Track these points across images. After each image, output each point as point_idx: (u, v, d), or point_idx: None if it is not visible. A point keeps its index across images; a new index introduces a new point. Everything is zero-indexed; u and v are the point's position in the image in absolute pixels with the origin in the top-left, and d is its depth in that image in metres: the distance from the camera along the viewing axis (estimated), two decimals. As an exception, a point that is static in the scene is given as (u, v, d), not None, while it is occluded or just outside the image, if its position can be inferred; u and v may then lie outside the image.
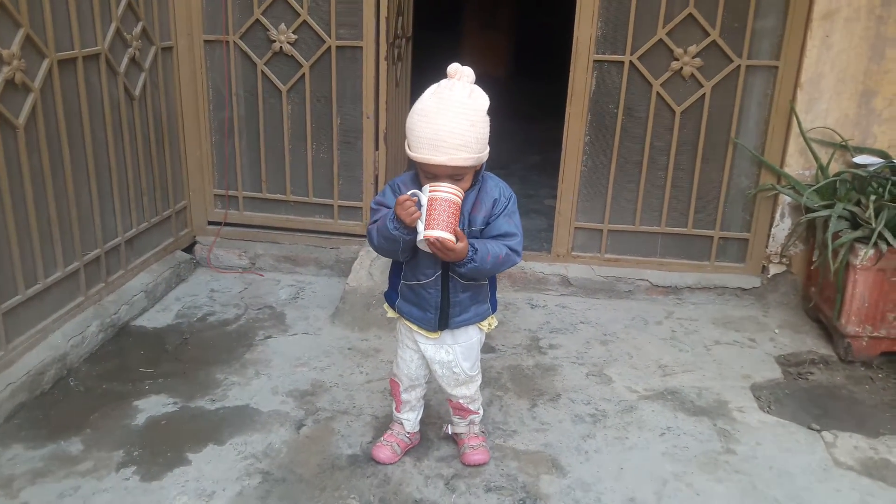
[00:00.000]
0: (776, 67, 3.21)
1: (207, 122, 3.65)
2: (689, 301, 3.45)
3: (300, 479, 2.19)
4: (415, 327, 2.12)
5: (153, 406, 2.55)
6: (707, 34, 3.21)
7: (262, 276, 3.71)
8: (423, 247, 1.91)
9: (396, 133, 3.76)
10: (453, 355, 2.13)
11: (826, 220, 2.97)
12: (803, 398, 2.71)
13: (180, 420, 2.48)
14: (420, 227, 1.88)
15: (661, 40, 3.25)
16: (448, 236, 1.85)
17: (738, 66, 3.23)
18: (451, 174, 1.88)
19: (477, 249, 1.92)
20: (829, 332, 3.11)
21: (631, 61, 3.29)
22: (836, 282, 2.92)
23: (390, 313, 2.19)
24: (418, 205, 1.89)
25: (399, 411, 2.31)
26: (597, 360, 2.92)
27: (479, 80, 1.92)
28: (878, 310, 2.86)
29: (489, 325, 2.17)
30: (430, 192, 1.88)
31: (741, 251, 3.47)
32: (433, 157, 1.84)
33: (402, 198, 1.88)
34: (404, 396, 2.28)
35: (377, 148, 3.57)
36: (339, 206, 3.71)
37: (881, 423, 2.56)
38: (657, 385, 2.75)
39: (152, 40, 3.28)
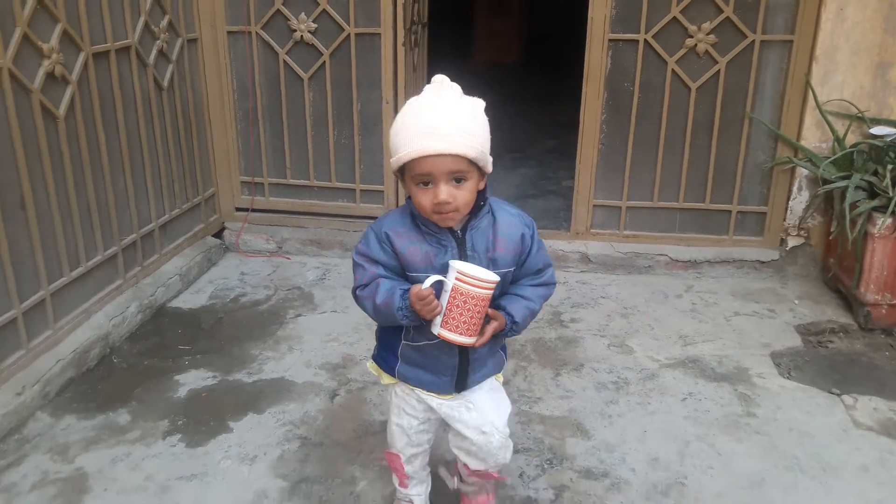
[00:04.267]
0: (791, 42, 3.26)
1: (233, 111, 3.75)
2: (709, 275, 3.52)
3: (337, 443, 2.30)
4: (423, 393, 1.77)
5: (193, 380, 2.67)
6: (721, 11, 3.26)
7: (289, 259, 3.82)
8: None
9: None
10: (478, 412, 1.76)
11: (843, 190, 3.02)
12: (823, 365, 2.77)
13: (220, 392, 2.59)
14: (438, 320, 1.56)
15: (674, 18, 3.30)
16: (468, 341, 1.56)
17: (753, 42, 3.28)
18: (452, 170, 1.51)
19: (515, 320, 1.65)
20: (849, 301, 3.17)
21: (646, 39, 3.35)
22: (855, 251, 2.98)
23: (386, 379, 1.81)
24: (437, 293, 1.55)
25: (405, 487, 1.93)
26: (618, 332, 3.00)
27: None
28: (896, 277, 2.92)
29: (500, 376, 1.88)
30: (456, 280, 1.52)
31: (759, 225, 3.53)
32: (430, 144, 1.48)
33: (422, 293, 1.53)
34: (408, 469, 1.89)
35: (399, 132, 3.65)
36: (361, 190, 3.81)
37: (900, 385, 2.62)
38: (678, 354, 2.83)
39: (178, 32, 3.39)
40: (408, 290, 1.56)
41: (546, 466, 2.19)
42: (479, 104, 1.60)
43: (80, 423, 2.41)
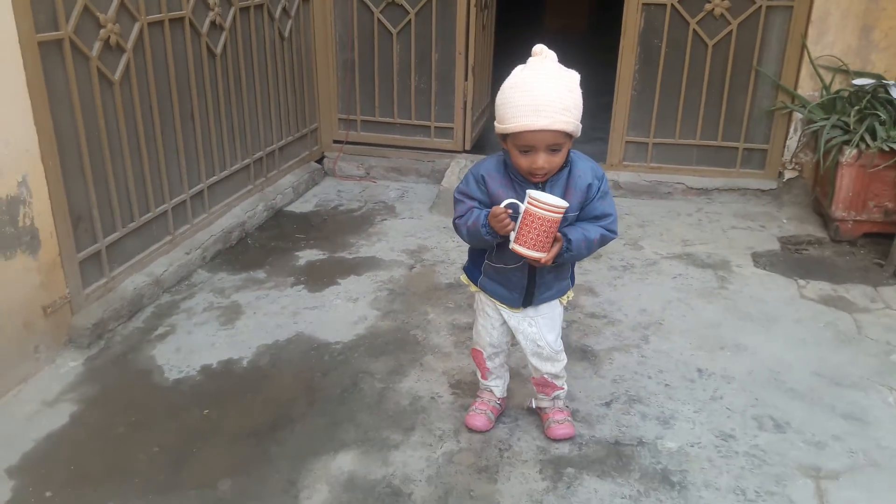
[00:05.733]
0: (791, 7, 3.95)
1: (334, 60, 4.65)
2: (717, 200, 4.27)
3: (414, 293, 3.20)
4: (497, 303, 2.14)
5: (309, 256, 3.60)
6: (735, -20, 3.98)
7: (375, 182, 4.72)
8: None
9: (482, 68, 4.67)
10: (537, 328, 2.13)
11: (823, 128, 3.73)
12: (793, 263, 3.52)
13: (329, 263, 3.52)
14: (512, 235, 1.85)
15: (697, -14, 4.04)
16: (537, 255, 1.84)
17: (760, 7, 3.98)
18: (551, 143, 1.80)
19: (571, 240, 1.90)
20: (825, 220, 3.88)
21: (672, 4, 4.08)
22: (829, 177, 3.69)
23: (472, 288, 2.18)
24: (514, 214, 1.85)
25: (486, 378, 2.30)
26: (633, 236, 3.80)
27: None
28: (860, 198, 3.61)
29: (567, 297, 2.17)
30: (528, 204, 1.81)
31: (762, 159, 4.26)
32: (535, 121, 1.76)
33: (497, 210, 1.85)
34: (489, 364, 2.27)
35: (466, 79, 4.49)
36: (435, 127, 4.67)
37: (848, 278, 3.35)
38: (677, 251, 3.62)
39: (296, -6, 4.30)
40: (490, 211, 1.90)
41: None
42: (575, 78, 1.84)
43: (230, 277, 3.37)
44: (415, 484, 2.07)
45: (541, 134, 1.79)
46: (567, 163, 1.92)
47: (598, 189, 1.95)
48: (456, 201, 2.02)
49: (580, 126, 1.86)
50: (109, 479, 2.09)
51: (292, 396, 2.47)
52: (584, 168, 1.95)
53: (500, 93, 1.86)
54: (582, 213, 1.96)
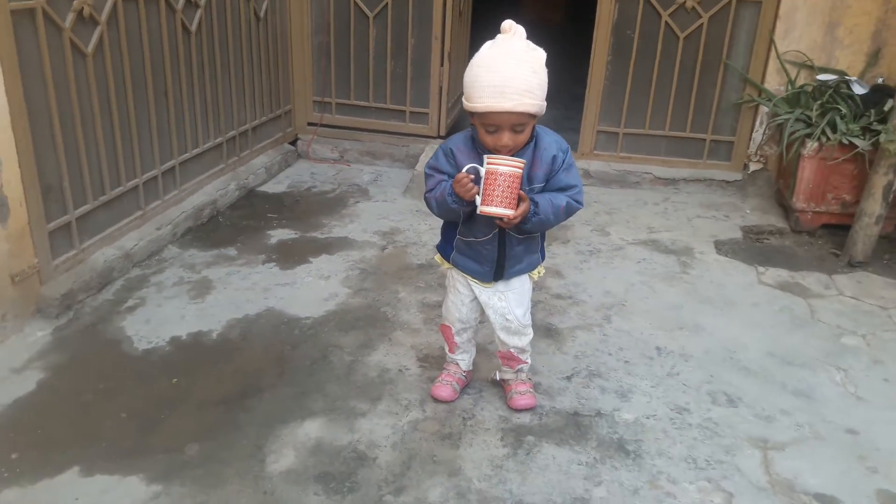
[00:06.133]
0: (760, 2, 4.05)
1: (310, 42, 4.66)
2: (684, 190, 4.36)
3: (385, 272, 3.24)
4: (469, 278, 2.20)
5: (281, 234, 3.63)
6: (706, -25, 4.07)
7: (349, 165, 4.75)
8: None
9: (458, 53, 4.72)
10: (506, 302, 2.19)
11: (787, 122, 3.83)
12: (754, 251, 3.62)
13: (301, 242, 3.55)
14: (478, 200, 1.92)
15: (669, -21, 4.12)
16: (505, 212, 1.89)
17: (730, 1, 4.07)
18: (515, 123, 1.88)
19: (538, 203, 1.96)
20: (787, 211, 3.99)
21: (645, -4, 4.17)
22: (791, 169, 3.80)
23: (445, 265, 2.25)
24: (476, 179, 1.92)
25: (453, 353, 2.38)
26: (601, 223, 3.88)
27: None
28: (820, 190, 3.72)
29: (538, 273, 2.25)
30: (487, 164, 1.89)
31: (728, 151, 4.36)
32: (499, 103, 1.83)
33: (459, 176, 1.92)
34: (457, 339, 2.34)
35: (442, 64, 4.54)
36: (410, 112, 4.71)
37: (805, 266, 3.47)
38: (643, 237, 3.71)
39: (273, -25, 4.30)
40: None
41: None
42: (540, 58, 1.89)
43: (201, 253, 3.39)
44: (380, 449, 2.12)
45: (505, 115, 1.86)
46: (533, 137, 1.99)
47: (563, 161, 2.02)
48: (426, 176, 2.08)
49: (545, 105, 1.92)
50: (77, 443, 2.12)
51: (262, 367, 2.51)
52: (549, 141, 2.02)
53: (467, 69, 1.92)
54: (548, 184, 2.02)
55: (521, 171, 1.88)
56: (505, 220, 1.94)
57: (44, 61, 2.65)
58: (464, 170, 1.94)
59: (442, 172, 2.04)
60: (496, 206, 1.89)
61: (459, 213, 2.02)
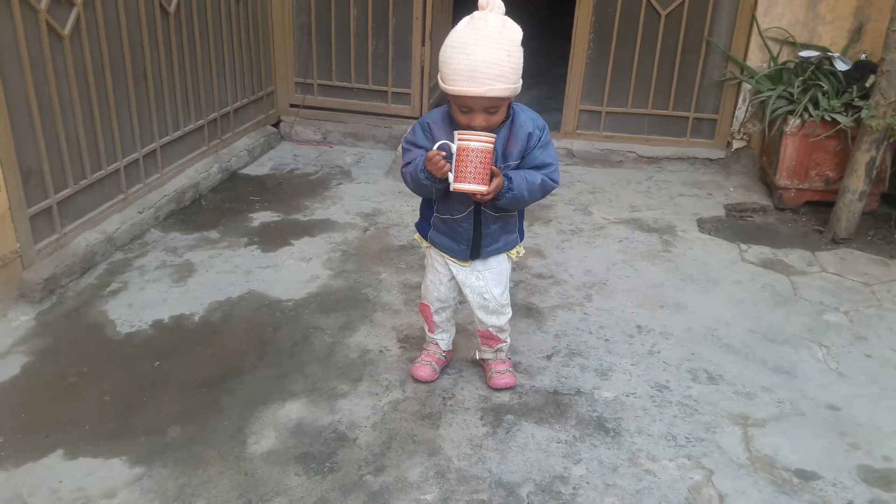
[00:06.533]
0: (742, -21, 4.04)
1: (291, 24, 4.62)
2: (667, 169, 4.37)
3: (367, 254, 3.24)
4: (447, 257, 2.20)
5: (263, 217, 3.62)
6: (688, -49, 4.05)
7: (331, 147, 4.73)
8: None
9: (439, 33, 4.69)
10: (484, 281, 2.19)
11: (769, 98, 3.83)
12: (736, 229, 3.64)
13: (283, 224, 3.54)
14: (451, 177, 1.91)
15: (651, -44, 4.10)
16: (478, 188, 1.89)
17: (712, -22, 4.07)
18: (488, 106, 1.87)
19: (511, 179, 1.95)
20: (770, 188, 4.01)
21: (627, -27, 4.15)
22: (774, 146, 3.81)
23: (424, 244, 2.25)
24: (448, 156, 1.91)
25: (432, 332, 2.38)
26: (583, 202, 3.89)
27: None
28: (803, 167, 3.74)
29: (517, 253, 2.23)
30: (458, 140, 1.88)
31: (711, 129, 4.37)
32: (471, 88, 1.83)
33: (430, 154, 1.91)
34: (436, 318, 2.34)
35: (423, 44, 4.51)
36: (392, 93, 4.68)
37: (788, 243, 3.49)
38: (625, 216, 3.72)
39: (253, -45, 4.25)
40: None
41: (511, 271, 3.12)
42: (516, 39, 1.86)
43: (183, 237, 3.37)
44: (360, 429, 2.13)
45: (478, 99, 1.86)
46: (509, 114, 1.98)
47: (539, 139, 2.01)
48: (404, 151, 2.07)
49: (519, 86, 1.91)
50: (60, 426, 2.12)
51: (243, 350, 2.52)
52: (525, 118, 2.01)
53: (442, 48, 1.90)
54: (523, 161, 2.02)
55: (492, 145, 1.88)
56: (478, 195, 1.93)
57: (20, 44, 2.62)
58: (435, 146, 1.93)
59: (419, 147, 2.03)
60: (469, 183, 1.89)
61: (433, 189, 2.01)
